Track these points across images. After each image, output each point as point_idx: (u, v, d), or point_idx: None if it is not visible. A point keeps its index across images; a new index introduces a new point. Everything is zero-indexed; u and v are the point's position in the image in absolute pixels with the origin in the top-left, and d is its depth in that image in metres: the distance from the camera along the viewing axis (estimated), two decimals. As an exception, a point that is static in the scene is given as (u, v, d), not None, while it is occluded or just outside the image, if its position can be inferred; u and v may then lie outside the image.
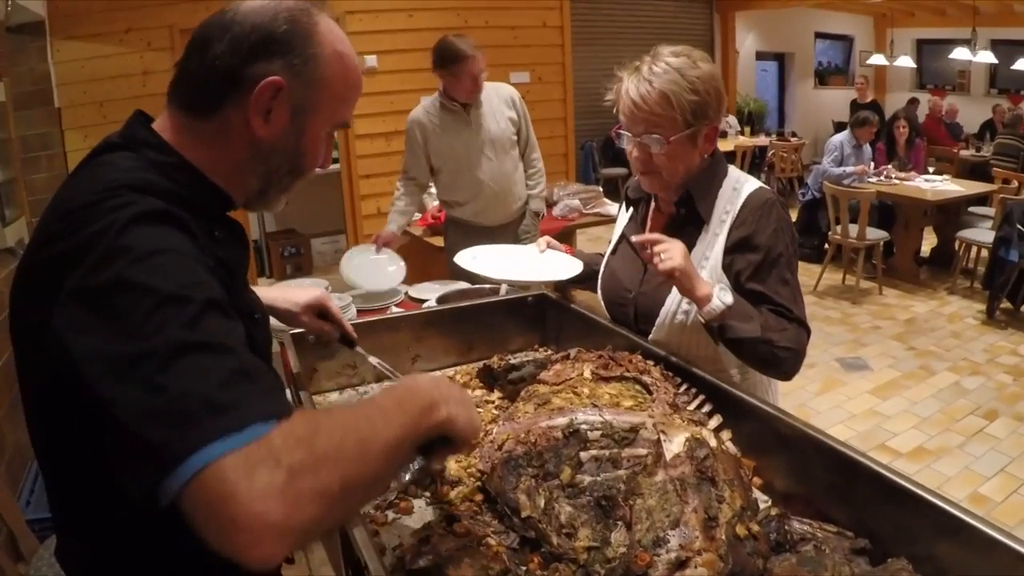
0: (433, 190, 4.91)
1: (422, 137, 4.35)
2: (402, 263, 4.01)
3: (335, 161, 8.37)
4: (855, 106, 11.16)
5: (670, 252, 1.75)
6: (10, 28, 5.02)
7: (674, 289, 1.93)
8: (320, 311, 1.89)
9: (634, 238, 1.84)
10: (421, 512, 1.55)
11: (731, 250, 1.92)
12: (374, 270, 3.93)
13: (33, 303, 1.05)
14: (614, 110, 1.96)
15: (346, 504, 0.91)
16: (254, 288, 1.76)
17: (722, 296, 1.77)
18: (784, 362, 1.83)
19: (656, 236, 1.81)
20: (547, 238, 2.43)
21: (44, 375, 1.06)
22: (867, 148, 8.12)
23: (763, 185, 2.00)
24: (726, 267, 1.92)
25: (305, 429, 0.89)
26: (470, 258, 2.42)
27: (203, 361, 0.91)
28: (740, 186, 1.98)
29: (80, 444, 1.09)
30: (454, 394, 1.17)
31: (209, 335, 0.94)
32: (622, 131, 1.96)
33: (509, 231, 4.59)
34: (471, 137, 4.35)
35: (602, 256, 2.38)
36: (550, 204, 5.60)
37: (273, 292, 1.87)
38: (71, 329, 0.95)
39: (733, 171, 2.04)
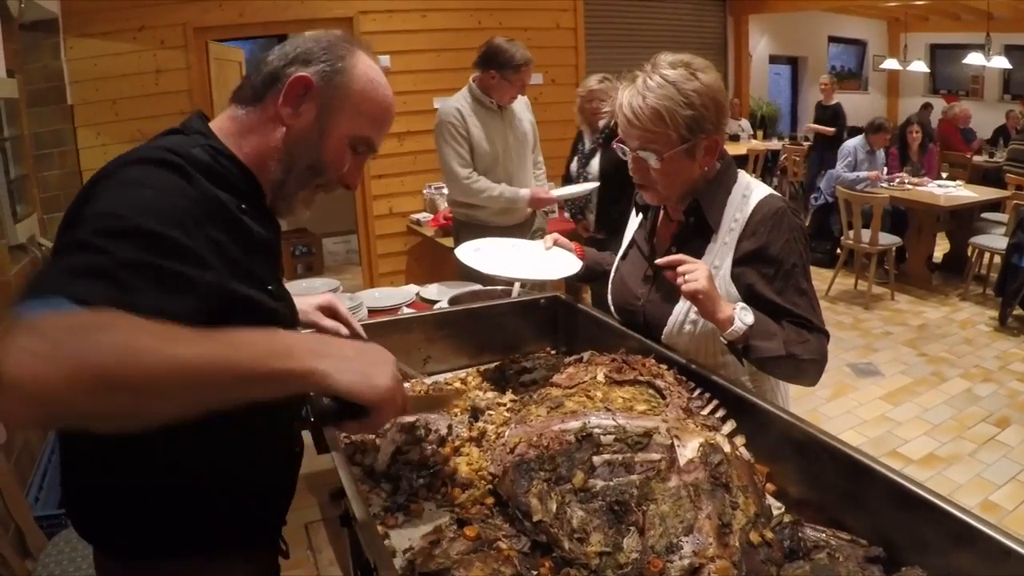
0: (445, 190, 4.92)
1: (460, 121, 4.30)
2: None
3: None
4: (819, 108, 11.10)
5: (695, 274, 1.73)
6: (23, 25, 5.04)
7: (682, 298, 1.92)
8: (331, 312, 1.96)
9: (659, 260, 1.82)
10: (431, 514, 1.54)
11: (741, 261, 1.90)
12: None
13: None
14: (612, 122, 1.94)
15: (106, 396, 0.91)
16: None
17: (743, 317, 1.76)
18: (808, 372, 1.84)
19: (681, 257, 1.80)
20: (555, 235, 2.43)
21: None
22: (880, 154, 8.08)
23: (773, 192, 1.97)
24: (735, 277, 1.90)
25: (96, 320, 0.95)
26: (472, 251, 2.42)
27: (83, 257, 1.06)
28: (749, 193, 1.95)
29: None
30: (341, 352, 1.14)
31: (108, 243, 1.08)
32: (620, 142, 1.95)
33: (523, 231, 4.59)
34: (506, 135, 4.42)
35: (614, 256, 2.38)
36: (562, 206, 5.62)
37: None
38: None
39: (743, 177, 2.01)
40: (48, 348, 0.88)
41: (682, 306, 1.95)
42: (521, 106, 4.54)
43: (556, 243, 2.40)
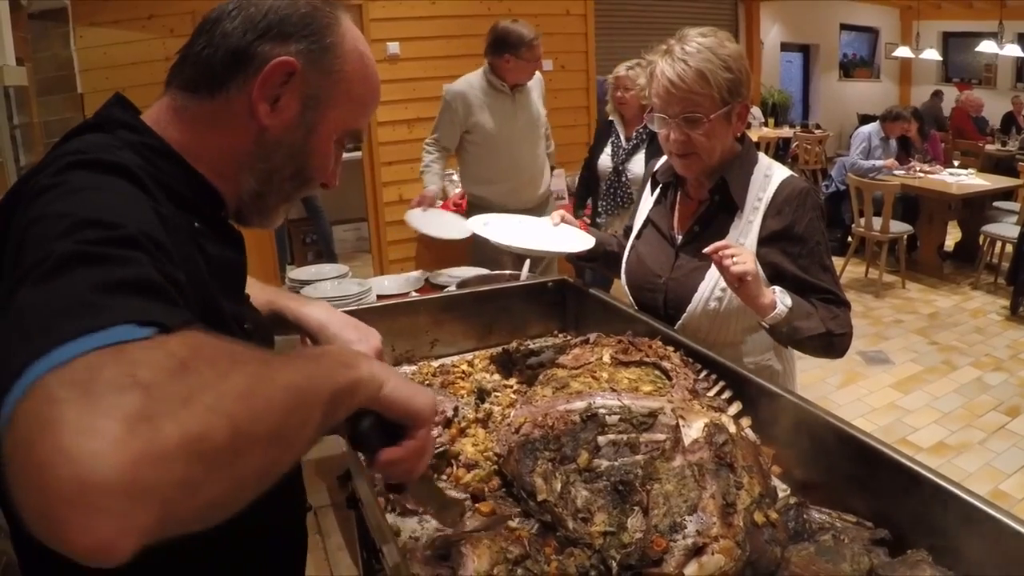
0: (455, 177, 4.93)
1: (464, 110, 4.36)
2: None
3: (357, 148, 8.36)
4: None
5: (743, 257, 1.74)
6: (33, 15, 5.05)
7: (707, 275, 1.97)
8: None
9: (707, 249, 1.80)
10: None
11: (767, 240, 1.94)
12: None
13: None
14: (645, 93, 1.97)
15: (234, 466, 0.62)
16: (317, 299, 1.66)
17: (783, 299, 1.79)
18: (839, 347, 1.90)
19: (727, 242, 1.80)
20: (562, 212, 2.43)
21: None
22: (894, 142, 8.06)
23: (793, 173, 2.01)
24: (760, 256, 1.92)
25: (183, 345, 0.65)
26: (482, 224, 2.41)
27: (92, 271, 0.71)
28: (771, 173, 1.99)
29: None
30: (382, 364, 0.98)
31: (116, 252, 0.74)
32: (655, 114, 1.95)
33: (537, 212, 4.58)
34: (514, 118, 4.44)
35: (615, 237, 2.39)
36: (571, 193, 5.60)
37: (333, 321, 1.56)
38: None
39: (763, 158, 2.05)
40: (139, 400, 0.56)
41: (707, 283, 1.98)
42: (535, 89, 4.59)
43: (563, 220, 2.41)
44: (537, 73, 4.59)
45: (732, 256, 1.74)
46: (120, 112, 1.08)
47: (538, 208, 4.65)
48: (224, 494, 0.62)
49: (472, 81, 4.42)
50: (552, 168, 4.90)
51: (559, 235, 2.36)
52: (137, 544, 0.54)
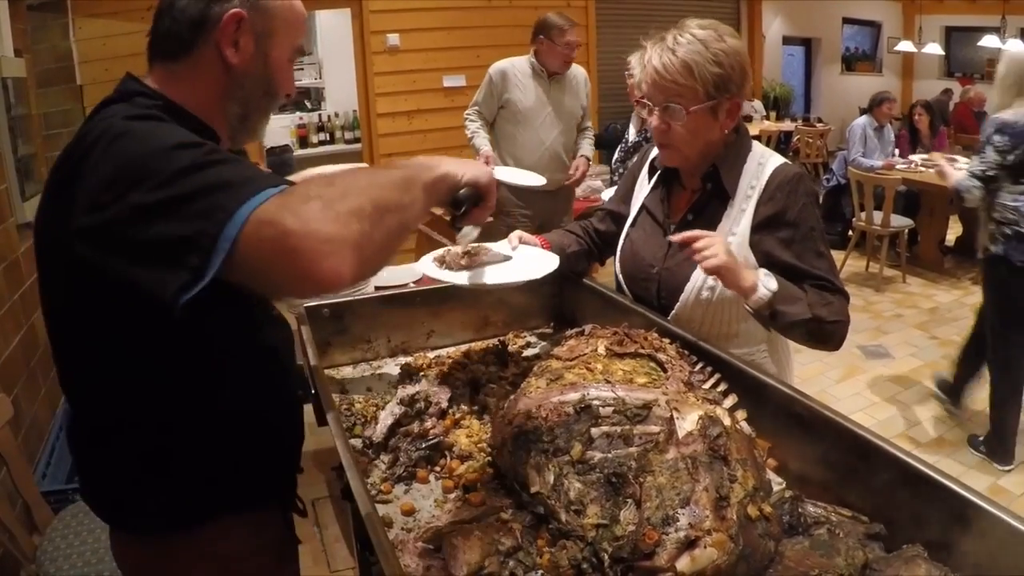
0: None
1: (501, 85, 4.93)
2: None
3: (357, 140, 8.35)
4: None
5: (713, 249, 1.73)
6: (31, 6, 5.03)
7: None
8: None
9: (673, 238, 1.82)
10: (434, 487, 1.57)
11: (760, 227, 1.92)
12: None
13: (52, 232, 1.29)
14: (636, 79, 1.95)
15: (385, 222, 1.08)
16: None
17: (767, 283, 1.77)
18: (833, 335, 1.86)
19: (696, 233, 1.79)
20: (518, 232, 2.27)
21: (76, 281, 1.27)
22: (888, 129, 7.99)
23: (787, 160, 1.99)
24: (754, 244, 1.92)
25: (319, 179, 1.07)
26: (436, 265, 2.16)
27: (220, 169, 1.09)
28: (765, 161, 1.98)
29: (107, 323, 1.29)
30: (448, 159, 1.40)
31: (222, 157, 1.13)
32: (644, 100, 1.94)
33: (555, 198, 5.15)
34: (546, 102, 4.95)
35: (572, 233, 2.35)
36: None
37: None
38: (96, 227, 1.13)
39: (757, 146, 2.04)
40: (319, 204, 1.00)
41: (699, 273, 1.95)
42: (578, 86, 5.08)
43: (521, 240, 2.25)
44: (583, 73, 5.18)
45: (703, 250, 1.74)
46: (133, 84, 1.41)
47: (560, 193, 5.16)
48: (382, 242, 1.07)
49: (516, 62, 4.96)
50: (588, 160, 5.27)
51: (521, 260, 2.18)
52: (356, 269, 1.01)
